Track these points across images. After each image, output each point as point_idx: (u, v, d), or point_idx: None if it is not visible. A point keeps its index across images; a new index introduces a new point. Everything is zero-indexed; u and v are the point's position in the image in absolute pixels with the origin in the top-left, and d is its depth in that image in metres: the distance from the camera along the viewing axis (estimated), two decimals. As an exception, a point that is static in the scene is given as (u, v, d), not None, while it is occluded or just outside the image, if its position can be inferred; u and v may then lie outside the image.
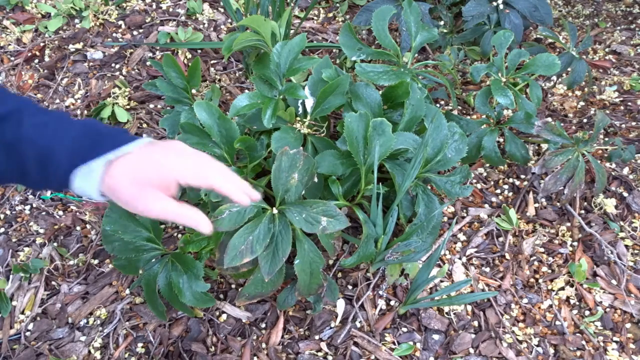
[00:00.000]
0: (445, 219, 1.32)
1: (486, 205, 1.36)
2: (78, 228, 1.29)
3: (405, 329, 1.14)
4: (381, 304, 1.18)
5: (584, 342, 1.13)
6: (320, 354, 1.11)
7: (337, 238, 1.04)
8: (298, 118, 1.13)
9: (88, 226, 1.30)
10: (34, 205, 1.33)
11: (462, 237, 1.30)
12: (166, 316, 1.09)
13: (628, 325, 1.16)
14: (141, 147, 0.66)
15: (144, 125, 1.51)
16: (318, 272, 0.99)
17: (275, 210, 0.94)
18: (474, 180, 1.41)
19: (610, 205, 1.32)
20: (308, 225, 0.91)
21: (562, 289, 1.21)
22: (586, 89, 1.62)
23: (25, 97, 0.68)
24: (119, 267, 1.05)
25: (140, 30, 1.73)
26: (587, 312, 1.18)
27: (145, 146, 0.67)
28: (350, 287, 1.20)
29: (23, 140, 0.63)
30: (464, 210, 1.34)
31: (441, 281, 1.22)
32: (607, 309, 1.18)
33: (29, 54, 1.64)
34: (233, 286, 1.19)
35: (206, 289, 1.02)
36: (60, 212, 1.32)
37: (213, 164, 0.70)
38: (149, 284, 1.04)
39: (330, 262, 1.22)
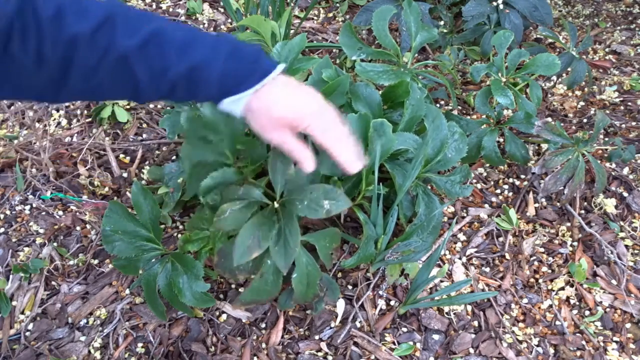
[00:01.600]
0: (445, 219, 1.32)
1: (486, 205, 1.36)
2: (78, 228, 1.29)
3: (405, 329, 1.14)
4: (381, 304, 1.18)
5: (584, 342, 1.13)
6: (320, 354, 1.11)
7: (335, 249, 1.05)
8: (298, 118, 1.13)
9: (88, 226, 1.30)
10: (34, 205, 1.33)
11: (462, 237, 1.30)
12: (166, 316, 1.09)
13: (628, 325, 1.16)
14: (282, 81, 0.74)
15: (144, 125, 1.51)
16: (315, 283, 1.01)
17: (276, 204, 0.94)
18: (474, 180, 1.41)
19: (610, 205, 1.32)
20: (312, 211, 0.90)
21: (562, 289, 1.21)
22: (586, 89, 1.62)
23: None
24: (119, 267, 1.05)
25: (140, 30, 1.73)
26: (587, 312, 1.18)
27: (285, 81, 0.75)
28: (350, 287, 1.20)
29: (173, 66, 0.67)
30: (464, 210, 1.34)
31: (441, 281, 1.22)
32: (607, 309, 1.18)
33: (29, 54, 1.64)
34: (233, 286, 1.19)
35: (206, 289, 1.02)
36: (60, 212, 1.32)
37: (337, 123, 0.80)
38: (149, 284, 1.04)
39: (330, 262, 1.23)
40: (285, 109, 0.75)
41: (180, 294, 1.01)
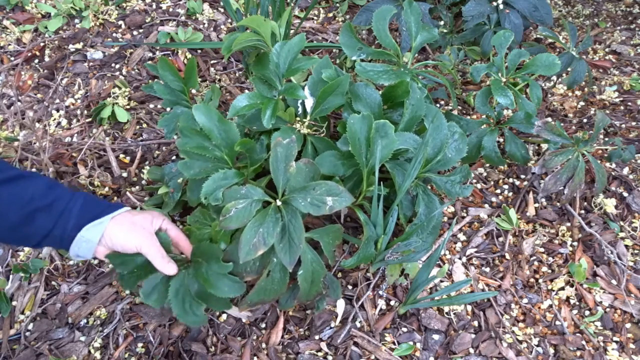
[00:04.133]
0: (445, 219, 1.32)
1: (486, 205, 1.36)
2: (78, 228, 1.29)
3: (405, 329, 1.14)
4: (381, 304, 1.18)
5: (584, 342, 1.13)
6: (320, 354, 1.11)
7: (338, 246, 1.05)
8: (298, 118, 1.13)
9: (88, 226, 1.30)
10: (34, 205, 1.33)
11: (462, 237, 1.30)
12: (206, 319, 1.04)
13: (628, 325, 1.16)
14: (129, 210, 0.94)
15: (144, 125, 1.51)
16: (319, 281, 1.01)
17: (279, 202, 0.94)
18: (474, 180, 1.41)
19: (610, 205, 1.32)
20: (314, 208, 0.90)
21: (562, 289, 1.21)
22: (586, 89, 1.62)
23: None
24: (125, 285, 0.97)
25: (140, 30, 1.73)
26: (587, 312, 1.18)
27: (131, 210, 0.95)
28: (350, 287, 1.20)
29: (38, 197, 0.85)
30: (464, 210, 1.34)
31: (441, 281, 1.22)
32: (607, 309, 1.18)
33: (29, 54, 1.64)
34: (233, 286, 1.19)
35: (230, 269, 0.93)
36: (60, 212, 1.32)
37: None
38: (178, 293, 0.95)
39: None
40: (145, 219, 0.94)
41: (213, 287, 0.92)
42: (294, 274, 0.99)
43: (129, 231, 0.91)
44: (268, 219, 0.91)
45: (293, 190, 0.94)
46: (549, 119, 1.25)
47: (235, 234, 1.03)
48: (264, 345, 1.12)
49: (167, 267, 0.93)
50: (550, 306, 1.19)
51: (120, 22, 1.74)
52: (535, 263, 1.26)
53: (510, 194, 1.38)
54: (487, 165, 1.43)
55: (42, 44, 1.67)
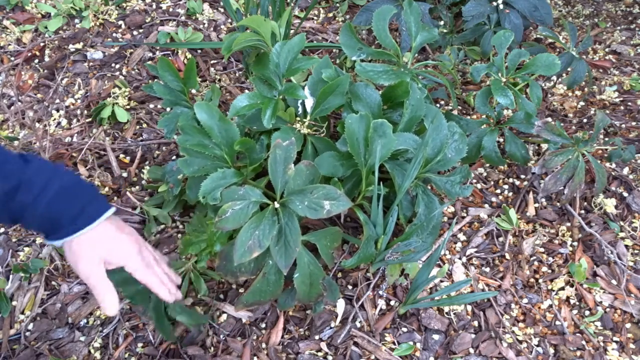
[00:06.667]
0: (445, 219, 1.32)
1: (486, 205, 1.36)
2: (78, 228, 1.29)
3: (405, 329, 1.14)
4: (381, 304, 1.18)
5: (584, 342, 1.13)
6: (320, 354, 1.11)
7: (336, 248, 1.05)
8: (298, 118, 1.13)
9: (88, 226, 1.30)
10: (34, 206, 1.33)
11: (462, 237, 1.30)
12: (175, 337, 1.10)
13: (628, 325, 1.16)
14: (103, 228, 0.84)
15: (144, 125, 1.51)
16: (317, 283, 1.01)
17: (277, 204, 0.94)
18: (474, 180, 1.41)
19: (610, 205, 1.32)
20: (312, 211, 0.90)
21: (562, 289, 1.21)
22: (586, 89, 1.62)
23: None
24: (129, 297, 1.01)
25: (140, 30, 1.73)
26: (587, 312, 1.18)
27: (105, 229, 0.84)
28: (350, 287, 1.20)
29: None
30: (464, 210, 1.34)
31: (441, 281, 1.22)
32: (607, 309, 1.18)
33: (29, 54, 1.64)
34: (233, 286, 1.19)
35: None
36: (60, 212, 1.32)
37: (151, 263, 0.92)
38: (157, 308, 1.02)
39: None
40: (108, 253, 0.84)
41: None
42: (290, 276, 0.99)
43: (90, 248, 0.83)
44: (265, 221, 0.91)
45: (291, 193, 0.94)
46: (549, 119, 1.25)
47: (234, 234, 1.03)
48: (264, 345, 1.12)
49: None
50: (550, 306, 1.19)
51: (120, 22, 1.74)
52: (535, 263, 1.26)
53: (510, 194, 1.38)
54: (487, 165, 1.43)
55: (42, 44, 1.67)
